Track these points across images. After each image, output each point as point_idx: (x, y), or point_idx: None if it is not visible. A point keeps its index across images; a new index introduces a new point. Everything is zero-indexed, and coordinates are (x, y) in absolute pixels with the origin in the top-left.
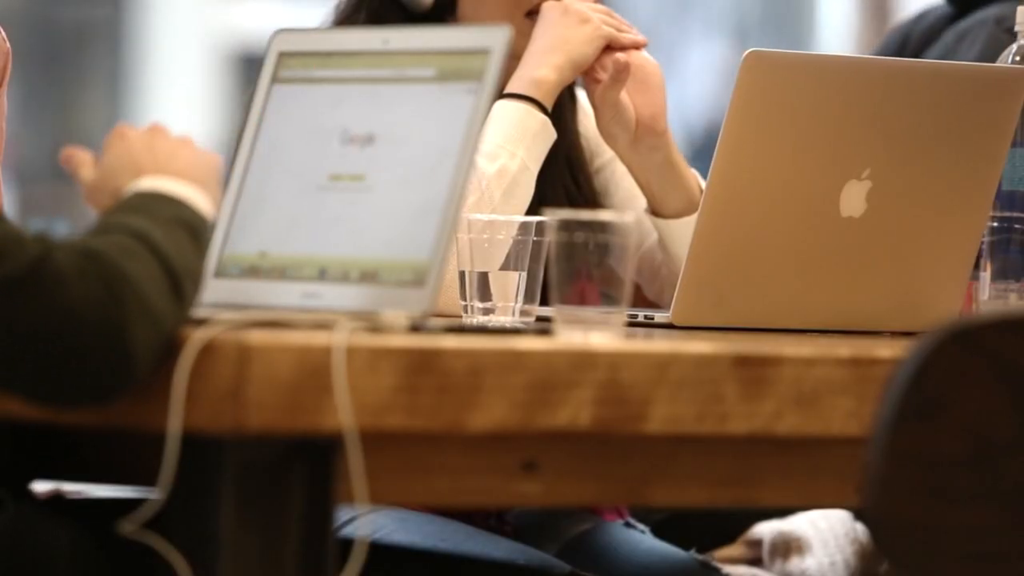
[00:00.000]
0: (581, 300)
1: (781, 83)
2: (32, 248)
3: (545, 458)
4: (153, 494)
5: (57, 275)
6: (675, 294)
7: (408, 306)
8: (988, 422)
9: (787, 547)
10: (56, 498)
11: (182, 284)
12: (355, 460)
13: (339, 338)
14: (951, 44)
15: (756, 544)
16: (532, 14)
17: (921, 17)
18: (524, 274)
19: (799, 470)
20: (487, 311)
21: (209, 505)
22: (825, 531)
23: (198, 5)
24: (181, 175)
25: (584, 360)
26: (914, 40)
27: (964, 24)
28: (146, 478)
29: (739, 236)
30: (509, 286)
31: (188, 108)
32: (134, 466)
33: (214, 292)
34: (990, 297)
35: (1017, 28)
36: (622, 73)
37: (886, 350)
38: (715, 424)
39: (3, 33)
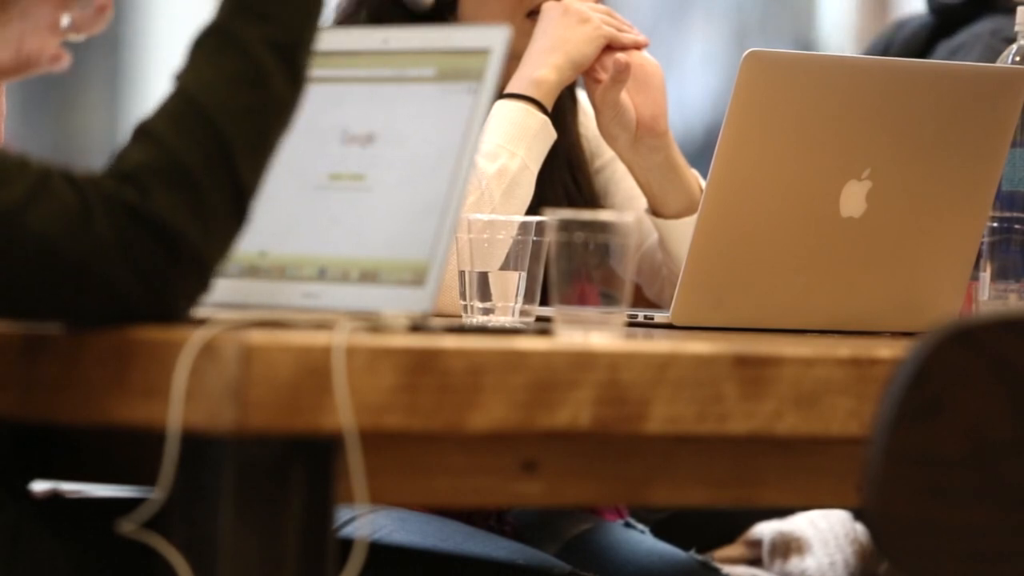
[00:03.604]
0: (581, 300)
1: (781, 83)
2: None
3: (545, 458)
4: (153, 494)
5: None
6: (675, 294)
7: (408, 306)
8: (987, 422)
9: (787, 547)
10: (55, 498)
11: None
12: (355, 460)
13: (339, 338)
14: (945, 59)
15: (756, 544)
16: (533, 14)
17: (902, 25)
18: (524, 274)
19: (799, 470)
20: (487, 311)
21: (209, 505)
22: (825, 531)
23: (198, 5)
24: None
25: (584, 360)
26: (895, 48)
27: (957, 40)
28: (146, 478)
29: (739, 236)
30: (509, 286)
31: None
32: (134, 466)
33: (214, 292)
34: (990, 297)
35: (1017, 28)
36: (622, 73)
37: (886, 350)
38: (715, 424)
39: None
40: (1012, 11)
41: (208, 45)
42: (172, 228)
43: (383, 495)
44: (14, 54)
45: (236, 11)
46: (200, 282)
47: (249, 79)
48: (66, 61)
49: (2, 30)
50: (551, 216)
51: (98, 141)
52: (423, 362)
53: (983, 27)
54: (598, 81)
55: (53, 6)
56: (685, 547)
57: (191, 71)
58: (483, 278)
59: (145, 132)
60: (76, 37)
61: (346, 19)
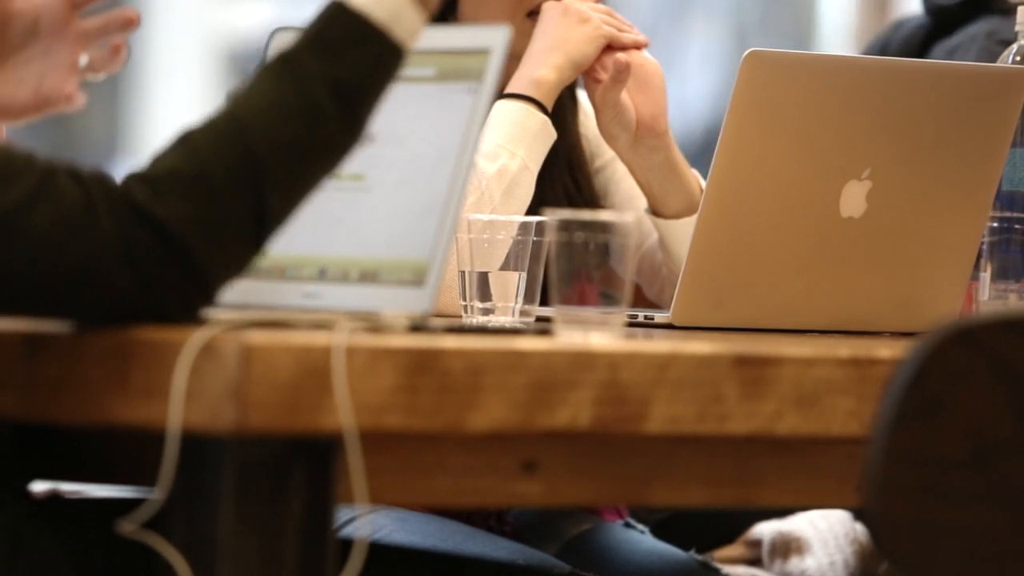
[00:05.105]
0: (581, 300)
1: (781, 83)
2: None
3: (545, 458)
4: (153, 494)
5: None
6: (675, 294)
7: (408, 306)
8: (988, 422)
9: (787, 547)
10: (55, 498)
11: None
12: (355, 460)
13: (339, 338)
14: (942, 60)
15: (756, 544)
16: (533, 14)
17: (899, 26)
18: (524, 274)
19: (799, 470)
20: (487, 311)
21: (209, 505)
22: (825, 531)
23: (197, 5)
24: None
25: (584, 360)
26: (892, 49)
27: (953, 41)
28: (146, 478)
29: (739, 236)
30: (509, 286)
31: (188, 108)
32: (134, 466)
33: None
34: (990, 297)
35: (1017, 28)
36: (622, 73)
37: (886, 350)
38: (715, 424)
39: None
40: (1007, 12)
41: (271, 70)
42: (174, 232)
43: (383, 495)
44: (32, 93)
45: (307, 44)
46: (200, 294)
47: (301, 113)
48: (81, 101)
49: (22, 69)
50: (551, 216)
51: (98, 141)
52: (423, 362)
53: (979, 28)
54: (598, 81)
55: (73, 46)
56: (685, 547)
57: (247, 92)
58: (483, 278)
59: (184, 140)
60: (94, 77)
61: None
